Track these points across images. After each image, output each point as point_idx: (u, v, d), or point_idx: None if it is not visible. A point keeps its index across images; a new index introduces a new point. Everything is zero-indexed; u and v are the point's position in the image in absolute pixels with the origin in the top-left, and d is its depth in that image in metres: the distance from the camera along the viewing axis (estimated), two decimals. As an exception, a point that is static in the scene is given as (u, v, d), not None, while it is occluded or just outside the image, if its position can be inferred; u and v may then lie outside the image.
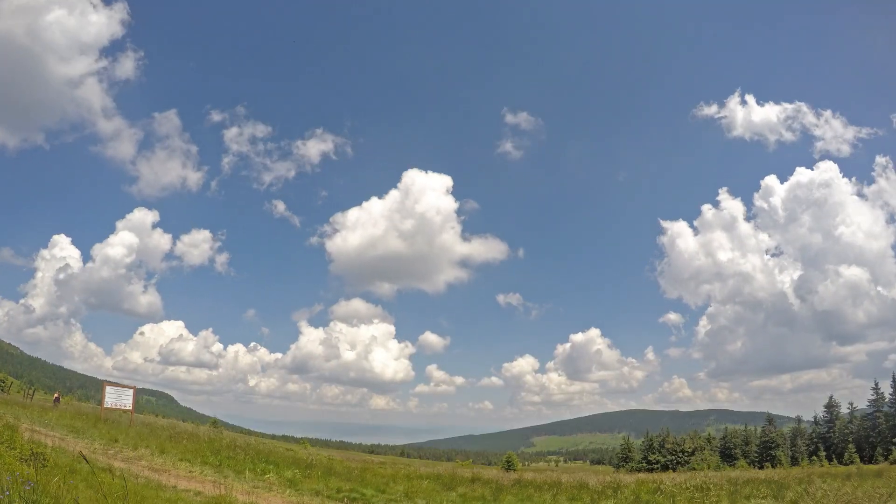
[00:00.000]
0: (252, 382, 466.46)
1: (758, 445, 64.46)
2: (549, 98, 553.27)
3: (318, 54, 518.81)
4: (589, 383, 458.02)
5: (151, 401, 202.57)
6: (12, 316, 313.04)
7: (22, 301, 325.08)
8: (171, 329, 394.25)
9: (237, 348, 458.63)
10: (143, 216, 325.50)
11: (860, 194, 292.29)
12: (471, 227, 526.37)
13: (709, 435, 73.66)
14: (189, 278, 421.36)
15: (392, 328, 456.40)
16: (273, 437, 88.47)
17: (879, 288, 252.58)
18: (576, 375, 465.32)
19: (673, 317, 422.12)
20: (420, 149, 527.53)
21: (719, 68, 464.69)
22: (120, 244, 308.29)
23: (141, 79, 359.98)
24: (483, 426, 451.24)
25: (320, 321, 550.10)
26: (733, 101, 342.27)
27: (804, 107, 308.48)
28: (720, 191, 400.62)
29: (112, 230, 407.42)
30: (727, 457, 63.51)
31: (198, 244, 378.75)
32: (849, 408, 63.59)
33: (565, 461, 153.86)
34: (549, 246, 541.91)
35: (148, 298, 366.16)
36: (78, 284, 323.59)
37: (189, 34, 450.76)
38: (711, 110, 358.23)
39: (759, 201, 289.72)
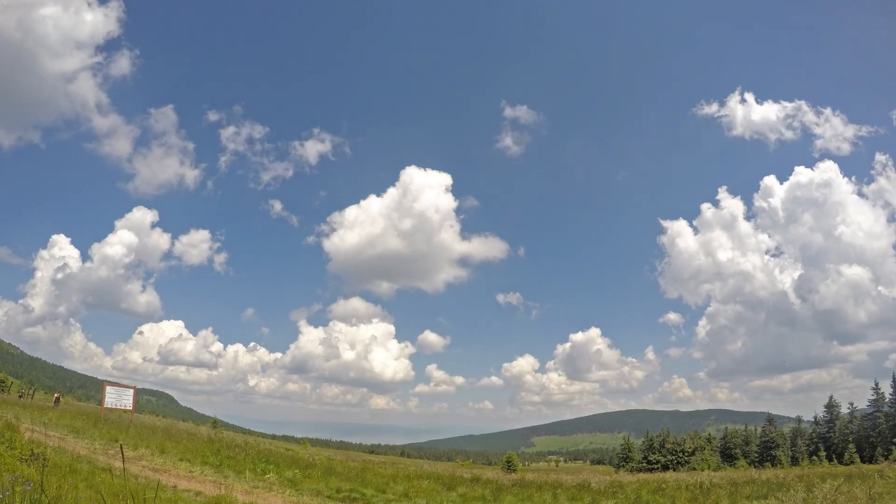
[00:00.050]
0: (252, 382, 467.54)
1: (758, 445, 64.43)
2: (549, 95, 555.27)
3: (315, 53, 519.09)
4: (589, 383, 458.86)
5: (151, 401, 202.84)
6: (11, 316, 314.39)
7: (21, 301, 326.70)
8: (171, 329, 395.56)
9: (237, 348, 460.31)
10: (143, 216, 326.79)
11: (860, 193, 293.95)
12: (470, 225, 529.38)
13: (709, 435, 73.58)
14: (188, 278, 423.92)
15: (392, 328, 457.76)
16: (273, 437, 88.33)
17: (880, 287, 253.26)
18: (576, 375, 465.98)
19: (673, 316, 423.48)
20: (418, 146, 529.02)
21: (719, 67, 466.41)
22: (119, 243, 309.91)
23: (137, 76, 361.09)
24: (483, 426, 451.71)
25: (319, 321, 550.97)
26: (733, 100, 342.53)
27: (804, 105, 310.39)
28: (720, 190, 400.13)
29: (111, 229, 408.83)
30: (727, 457, 63.47)
31: (196, 244, 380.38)
32: (849, 408, 63.67)
33: (565, 461, 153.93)
34: (549, 245, 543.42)
35: (147, 298, 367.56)
36: (77, 284, 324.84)
37: (185, 34, 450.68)
38: (712, 109, 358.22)
39: (759, 201, 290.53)
